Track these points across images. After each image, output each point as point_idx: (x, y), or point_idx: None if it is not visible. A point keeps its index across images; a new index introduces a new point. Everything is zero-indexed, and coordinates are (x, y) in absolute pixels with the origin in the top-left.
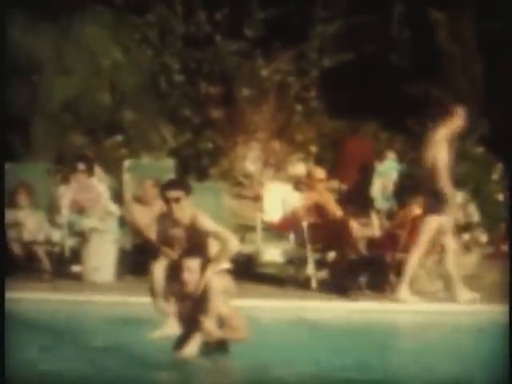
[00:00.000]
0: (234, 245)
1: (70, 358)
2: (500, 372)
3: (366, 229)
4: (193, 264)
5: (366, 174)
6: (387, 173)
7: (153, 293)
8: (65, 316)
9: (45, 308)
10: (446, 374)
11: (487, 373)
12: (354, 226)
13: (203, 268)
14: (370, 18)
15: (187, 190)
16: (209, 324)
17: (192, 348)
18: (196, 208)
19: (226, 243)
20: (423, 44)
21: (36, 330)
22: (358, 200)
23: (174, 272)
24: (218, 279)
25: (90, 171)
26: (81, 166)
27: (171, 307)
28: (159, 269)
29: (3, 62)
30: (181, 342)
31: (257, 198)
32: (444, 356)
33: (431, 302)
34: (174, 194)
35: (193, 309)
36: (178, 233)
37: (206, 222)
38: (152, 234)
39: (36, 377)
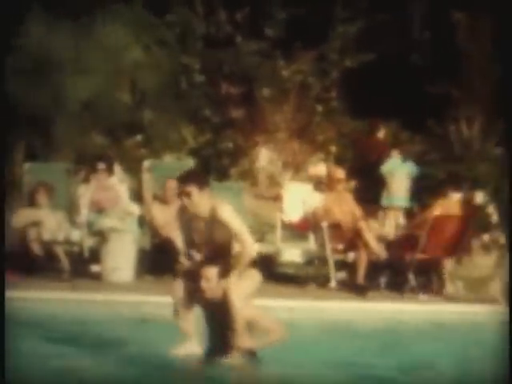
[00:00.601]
0: (252, 250)
1: (87, 358)
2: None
3: (379, 229)
4: (210, 273)
5: (375, 174)
6: (393, 172)
7: (175, 311)
8: (83, 316)
9: (64, 307)
10: (449, 373)
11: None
12: (364, 226)
13: (223, 275)
14: (390, 18)
15: (200, 183)
16: (240, 341)
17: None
18: (217, 200)
19: (244, 246)
20: (444, 44)
21: (54, 329)
22: (369, 200)
23: (193, 280)
24: (237, 289)
25: (109, 171)
26: (101, 165)
27: (191, 325)
28: (179, 288)
29: (24, 62)
30: (210, 354)
31: (277, 198)
32: (450, 355)
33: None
34: (184, 188)
35: (219, 322)
36: (199, 227)
37: (226, 214)
38: (175, 229)
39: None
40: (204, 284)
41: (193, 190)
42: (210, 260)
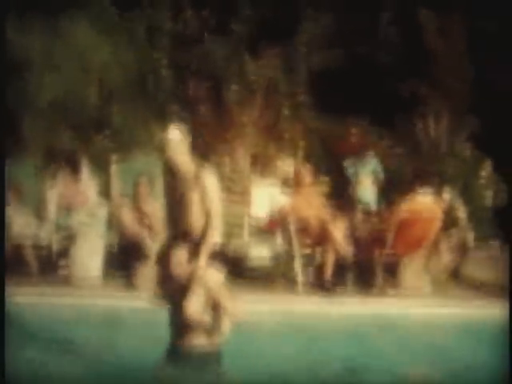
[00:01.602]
0: (217, 233)
1: (57, 360)
2: (499, 372)
3: (347, 226)
4: (181, 257)
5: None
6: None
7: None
8: (51, 315)
9: (31, 308)
10: (445, 375)
11: (486, 373)
12: (331, 224)
13: (191, 260)
14: (358, 15)
15: (184, 133)
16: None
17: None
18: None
19: (210, 227)
20: (412, 42)
21: (21, 330)
22: (338, 198)
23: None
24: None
25: (77, 169)
26: (68, 163)
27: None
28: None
29: None
30: (172, 352)
31: (244, 195)
32: (441, 356)
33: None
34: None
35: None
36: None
37: (210, 182)
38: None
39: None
40: (175, 269)
41: (175, 136)
42: (182, 237)
